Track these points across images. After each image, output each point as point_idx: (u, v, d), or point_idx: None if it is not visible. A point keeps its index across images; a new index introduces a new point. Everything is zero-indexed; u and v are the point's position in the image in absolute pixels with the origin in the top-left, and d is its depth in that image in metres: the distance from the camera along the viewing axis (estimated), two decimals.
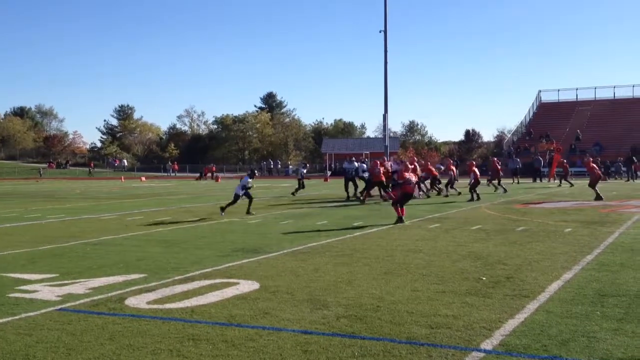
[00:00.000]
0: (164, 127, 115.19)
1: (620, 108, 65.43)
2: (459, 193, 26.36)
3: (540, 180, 41.74)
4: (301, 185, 29.04)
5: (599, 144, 58.58)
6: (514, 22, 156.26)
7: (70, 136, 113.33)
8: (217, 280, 8.29)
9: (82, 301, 7.19)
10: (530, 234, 12.96)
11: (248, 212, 18.24)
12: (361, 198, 24.08)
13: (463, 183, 30.12)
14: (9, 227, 15.96)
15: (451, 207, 20.31)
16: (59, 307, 6.92)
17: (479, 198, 23.49)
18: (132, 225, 15.68)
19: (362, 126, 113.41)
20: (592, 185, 24.30)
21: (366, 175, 25.95)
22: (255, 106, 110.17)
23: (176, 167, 75.76)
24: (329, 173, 52.33)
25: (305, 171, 30.73)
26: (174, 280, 8.39)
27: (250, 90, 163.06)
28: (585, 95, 71.33)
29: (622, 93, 69.82)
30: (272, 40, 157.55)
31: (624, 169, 46.57)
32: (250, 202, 18.63)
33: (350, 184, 25.98)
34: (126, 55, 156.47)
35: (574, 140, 62.33)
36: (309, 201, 24.63)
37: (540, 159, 45.84)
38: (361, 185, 25.87)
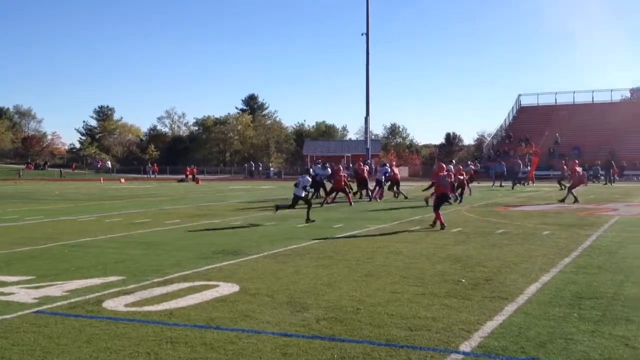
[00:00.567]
0: (144, 128, 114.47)
1: (598, 112, 66.15)
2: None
3: (520, 184, 42.05)
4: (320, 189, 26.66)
5: (578, 148, 59.17)
6: (494, 26, 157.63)
7: (49, 137, 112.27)
8: (197, 283, 8.25)
9: (59, 303, 7.11)
10: (509, 237, 13.06)
11: (308, 220, 16.31)
12: (327, 201, 23.96)
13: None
14: None
15: (431, 211, 20.35)
16: (36, 309, 6.84)
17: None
18: (111, 227, 15.54)
19: (344, 128, 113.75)
20: (572, 187, 24.37)
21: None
22: (236, 108, 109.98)
23: (156, 168, 75.26)
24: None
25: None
26: (153, 282, 8.32)
27: (232, 92, 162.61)
28: (564, 100, 72.12)
29: (601, 97, 70.68)
30: (254, 42, 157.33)
31: (602, 172, 47.06)
32: (309, 207, 16.68)
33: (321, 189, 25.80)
34: (106, 55, 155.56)
35: (552, 144, 62.92)
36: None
37: (520, 162, 46.19)
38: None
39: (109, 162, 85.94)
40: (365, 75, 54.92)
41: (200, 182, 53.45)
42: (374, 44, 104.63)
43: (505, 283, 8.15)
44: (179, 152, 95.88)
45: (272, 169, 77.97)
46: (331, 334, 5.82)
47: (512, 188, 36.18)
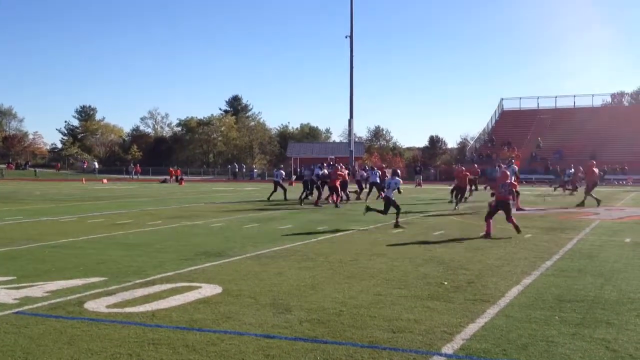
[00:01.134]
0: (126, 128, 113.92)
1: (580, 117, 66.79)
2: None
3: None
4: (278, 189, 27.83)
5: (560, 152, 59.71)
6: (478, 30, 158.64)
7: (30, 137, 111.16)
8: (179, 284, 8.21)
9: (40, 304, 7.05)
10: (491, 240, 13.13)
11: (397, 225, 15.67)
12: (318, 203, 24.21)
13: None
14: None
15: (416, 213, 20.47)
16: (16, 310, 6.77)
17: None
18: (92, 228, 15.43)
19: (328, 131, 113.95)
20: (590, 190, 23.55)
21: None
22: (220, 109, 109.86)
23: (139, 169, 74.81)
24: (294, 177, 52.27)
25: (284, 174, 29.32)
26: (135, 284, 8.27)
27: (216, 93, 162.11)
28: (546, 104, 72.77)
29: (582, 102, 71.44)
30: (238, 43, 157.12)
31: (582, 177, 47.40)
32: (398, 211, 15.99)
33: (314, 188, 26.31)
34: (88, 55, 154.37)
35: (534, 148, 63.44)
36: (273, 205, 24.56)
37: (503, 165, 46.46)
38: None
39: (95, 163, 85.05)
40: (349, 77, 54.99)
41: (183, 183, 53.21)
42: (358, 47, 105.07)
43: (488, 286, 8.20)
44: (161, 153, 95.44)
45: (255, 170, 77.84)
46: (314, 336, 5.81)
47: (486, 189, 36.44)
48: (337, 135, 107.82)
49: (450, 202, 24.56)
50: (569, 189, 33.24)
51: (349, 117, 56.47)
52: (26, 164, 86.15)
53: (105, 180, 59.24)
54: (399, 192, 15.86)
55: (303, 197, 25.89)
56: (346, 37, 55.44)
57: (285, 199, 27.05)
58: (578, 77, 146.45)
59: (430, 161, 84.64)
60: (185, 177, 61.59)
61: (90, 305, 6.99)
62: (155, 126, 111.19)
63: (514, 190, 15.10)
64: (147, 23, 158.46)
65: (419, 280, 8.56)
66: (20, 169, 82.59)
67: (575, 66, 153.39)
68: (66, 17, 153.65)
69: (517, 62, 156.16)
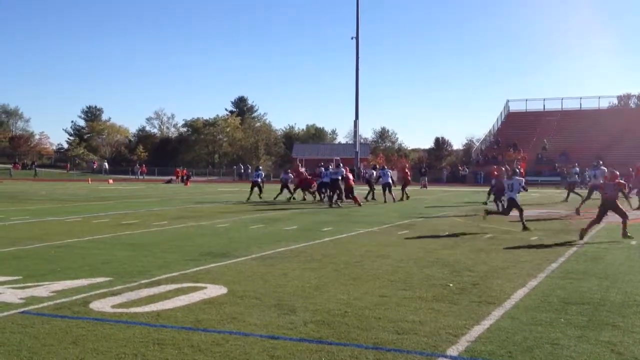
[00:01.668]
0: (132, 129, 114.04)
1: (586, 119, 66.61)
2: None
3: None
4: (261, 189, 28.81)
5: (565, 154, 59.56)
6: (484, 32, 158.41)
7: (37, 137, 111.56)
8: (184, 285, 8.22)
9: (45, 304, 7.07)
10: (497, 242, 13.11)
11: (525, 228, 15.08)
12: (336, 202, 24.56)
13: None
14: None
15: (420, 214, 20.45)
16: (22, 309, 6.79)
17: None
18: (98, 228, 15.46)
19: (333, 132, 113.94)
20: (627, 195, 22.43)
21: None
22: (226, 110, 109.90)
23: (144, 169, 74.98)
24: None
25: (263, 174, 30.56)
26: (140, 284, 8.29)
27: (222, 94, 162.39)
28: (552, 106, 72.59)
29: (589, 104, 71.18)
30: (244, 44, 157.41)
31: (588, 179, 47.27)
32: (521, 212, 15.41)
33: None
34: (95, 55, 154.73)
35: (540, 149, 63.29)
36: (279, 206, 24.59)
37: (509, 167, 46.37)
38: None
39: (106, 164, 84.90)
40: (355, 78, 55.11)
41: (189, 183, 53.29)
42: (364, 48, 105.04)
43: (493, 288, 8.18)
44: (167, 154, 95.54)
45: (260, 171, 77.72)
46: (319, 337, 5.81)
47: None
48: (343, 137, 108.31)
49: (485, 203, 24.56)
50: (575, 192, 32.63)
51: (354, 119, 56.58)
52: (32, 164, 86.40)
53: (111, 181, 59.38)
54: (525, 190, 15.52)
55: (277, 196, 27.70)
56: (352, 38, 55.63)
57: (260, 197, 28.33)
58: (584, 79, 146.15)
59: (435, 163, 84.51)
60: (191, 178, 61.64)
61: (96, 305, 7.01)
62: (161, 127, 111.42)
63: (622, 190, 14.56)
64: (154, 24, 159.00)
65: (423, 282, 8.55)
66: (27, 169, 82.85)
67: (582, 68, 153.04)
68: (72, 17, 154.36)
69: (523, 65, 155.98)
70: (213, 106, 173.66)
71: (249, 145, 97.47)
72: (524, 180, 15.67)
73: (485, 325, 6.27)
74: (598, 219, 13.76)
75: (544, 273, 9.32)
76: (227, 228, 15.78)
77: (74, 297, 7.42)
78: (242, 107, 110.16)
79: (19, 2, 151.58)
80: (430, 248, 12.09)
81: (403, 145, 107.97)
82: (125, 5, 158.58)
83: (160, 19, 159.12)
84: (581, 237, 13.41)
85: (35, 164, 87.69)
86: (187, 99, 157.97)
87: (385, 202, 27.14)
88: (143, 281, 8.46)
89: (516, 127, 70.00)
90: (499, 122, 73.19)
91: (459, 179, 60.76)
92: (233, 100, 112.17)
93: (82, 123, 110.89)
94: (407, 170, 31.64)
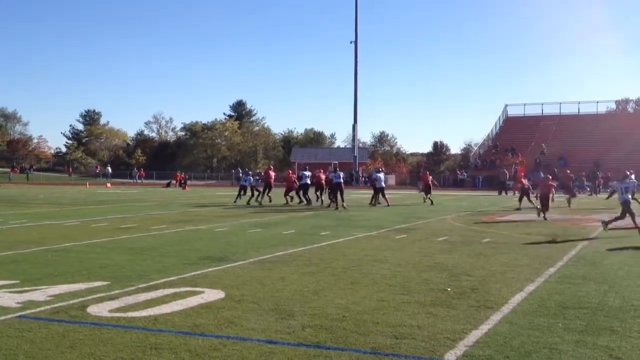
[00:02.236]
0: (131, 133, 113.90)
1: (584, 123, 66.68)
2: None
3: (506, 193, 42.32)
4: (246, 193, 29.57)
5: (564, 158, 59.59)
6: (483, 36, 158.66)
7: (35, 140, 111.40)
8: (182, 289, 8.21)
9: (42, 308, 7.05)
10: (494, 246, 13.11)
11: (607, 223, 15.28)
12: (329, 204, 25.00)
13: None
14: None
15: (419, 218, 20.46)
16: (19, 314, 6.78)
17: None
18: (96, 232, 15.44)
19: (332, 136, 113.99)
20: None
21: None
22: (224, 114, 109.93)
23: (142, 173, 74.87)
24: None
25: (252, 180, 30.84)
26: (138, 288, 8.28)
27: (220, 98, 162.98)
28: (551, 110, 72.62)
29: (587, 109, 71.25)
30: (243, 48, 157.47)
31: (587, 183, 47.38)
32: (633, 217, 15.22)
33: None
34: (93, 59, 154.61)
35: (538, 154, 63.31)
36: (277, 210, 24.59)
37: (506, 172, 46.45)
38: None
39: (109, 168, 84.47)
40: (354, 82, 55.15)
41: (187, 187, 53.23)
42: (362, 52, 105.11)
43: (491, 292, 8.18)
44: (166, 157, 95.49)
45: (257, 177, 77.65)
46: (317, 342, 5.81)
47: (499, 194, 36.39)
48: (342, 141, 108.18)
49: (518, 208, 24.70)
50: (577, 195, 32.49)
51: (353, 122, 56.59)
52: (30, 168, 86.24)
53: (109, 184, 59.27)
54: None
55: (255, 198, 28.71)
56: (351, 42, 55.66)
57: (238, 199, 29.38)
58: (582, 83, 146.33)
59: (434, 167, 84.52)
60: (189, 182, 61.57)
61: (93, 310, 7.00)
62: (160, 131, 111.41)
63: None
64: (153, 27, 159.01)
65: (421, 286, 8.54)
66: (25, 172, 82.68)
67: (581, 73, 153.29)
68: (71, 20, 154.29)
69: (521, 68, 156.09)
70: (211, 110, 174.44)
71: (247, 149, 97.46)
72: (637, 182, 15.76)
73: (483, 329, 6.27)
74: (622, 216, 14.25)
75: (542, 277, 9.31)
76: (225, 232, 15.77)
77: (72, 302, 7.40)
78: (240, 111, 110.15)
79: (18, 4, 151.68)
80: (428, 252, 12.08)
81: (402, 149, 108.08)
82: (123, 10, 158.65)
83: (159, 23, 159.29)
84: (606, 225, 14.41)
85: (34, 167, 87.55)
86: (185, 103, 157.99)
87: (372, 204, 27.78)
88: (141, 285, 8.45)
89: (514, 132, 70.05)
90: (497, 127, 73.22)
91: (457, 183, 60.80)
92: (231, 104, 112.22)
93: (80, 127, 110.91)
94: (429, 177, 31.97)
